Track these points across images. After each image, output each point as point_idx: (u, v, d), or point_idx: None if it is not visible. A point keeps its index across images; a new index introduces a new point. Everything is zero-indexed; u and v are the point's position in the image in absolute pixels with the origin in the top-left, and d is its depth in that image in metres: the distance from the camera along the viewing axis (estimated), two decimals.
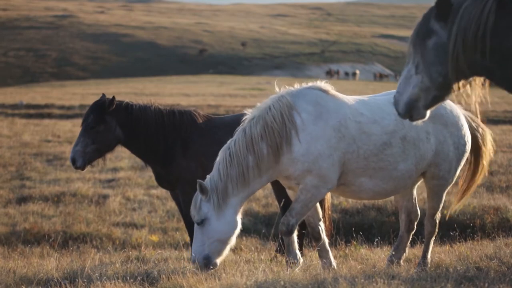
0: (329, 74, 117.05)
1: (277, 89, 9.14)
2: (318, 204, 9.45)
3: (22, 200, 18.01)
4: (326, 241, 9.52)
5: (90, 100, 11.62)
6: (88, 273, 8.61)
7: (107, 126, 10.74)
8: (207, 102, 50.20)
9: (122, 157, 24.08)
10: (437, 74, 6.44)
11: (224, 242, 8.87)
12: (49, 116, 43.29)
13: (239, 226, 9.03)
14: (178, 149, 10.88)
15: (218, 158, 8.97)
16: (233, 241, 9.00)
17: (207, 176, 8.98)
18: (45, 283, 8.43)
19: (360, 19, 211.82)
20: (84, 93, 64.02)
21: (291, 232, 9.04)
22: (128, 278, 8.44)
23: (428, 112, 6.66)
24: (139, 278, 8.41)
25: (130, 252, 12.19)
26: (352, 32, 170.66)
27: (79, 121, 11.09)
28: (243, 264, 9.36)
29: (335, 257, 10.07)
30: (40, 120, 39.74)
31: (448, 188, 9.47)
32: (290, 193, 9.55)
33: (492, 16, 6.17)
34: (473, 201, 15.08)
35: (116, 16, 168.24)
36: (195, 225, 8.96)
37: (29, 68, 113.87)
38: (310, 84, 9.19)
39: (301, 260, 9.22)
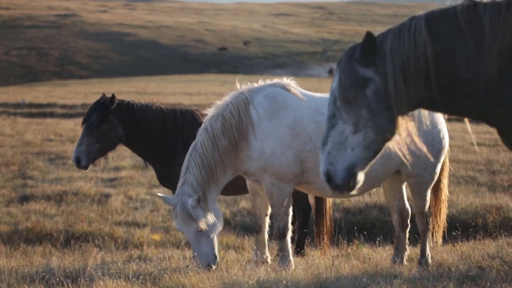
0: (331, 73, 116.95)
1: (238, 86, 9.31)
2: (268, 200, 9.56)
3: (24, 199, 18.02)
4: (266, 236, 9.70)
5: (93, 99, 11.67)
6: (90, 272, 8.61)
7: (110, 125, 10.74)
8: (209, 101, 50.06)
9: (124, 156, 24.08)
10: (386, 122, 5.95)
11: (218, 234, 9.25)
12: (51, 115, 43.27)
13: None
14: (179, 148, 10.87)
15: (187, 163, 9.12)
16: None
17: (182, 182, 9.16)
18: (47, 282, 8.43)
19: (363, 18, 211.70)
20: (87, 92, 64.00)
21: (285, 235, 9.28)
22: (130, 277, 8.44)
23: (363, 176, 6.09)
24: (141, 277, 8.42)
25: (132, 251, 12.20)
26: (354, 31, 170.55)
27: (81, 120, 11.09)
28: (245, 263, 9.38)
29: (337, 256, 10.07)
30: (42, 119, 39.74)
31: (431, 186, 9.46)
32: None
33: (429, 44, 5.89)
34: (475, 201, 15.06)
35: (119, 15, 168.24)
36: (192, 234, 9.07)
37: (32, 67, 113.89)
38: (274, 80, 9.36)
39: (292, 263, 9.31)
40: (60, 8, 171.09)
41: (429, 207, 9.66)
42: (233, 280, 7.84)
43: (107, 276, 8.43)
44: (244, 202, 16.77)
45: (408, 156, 6.31)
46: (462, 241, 11.23)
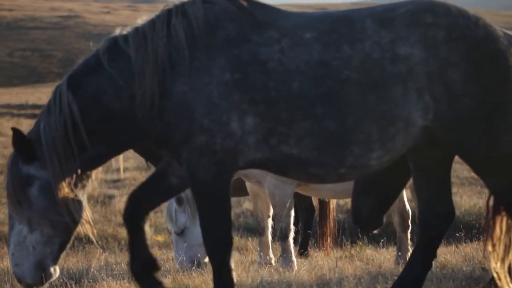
0: None
1: None
2: (269, 202, 9.56)
3: None
4: (269, 238, 9.70)
5: None
6: (93, 273, 8.61)
7: None
8: None
9: (127, 157, 24.09)
10: (58, 216, 5.91)
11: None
12: None
13: None
14: None
15: None
16: None
17: None
18: (50, 283, 8.42)
19: None
20: None
21: (287, 236, 9.31)
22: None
23: (57, 269, 6.11)
24: None
25: None
26: None
27: None
28: (248, 265, 9.38)
29: (340, 258, 10.07)
30: None
31: None
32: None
33: (73, 104, 5.82)
34: (479, 202, 15.05)
35: (122, 16, 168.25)
36: (174, 234, 9.20)
37: (35, 68, 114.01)
38: None
39: (295, 264, 9.34)
40: (63, 9, 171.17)
41: None
42: (237, 281, 7.82)
43: (110, 277, 8.43)
44: (247, 204, 16.76)
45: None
46: (465, 243, 11.21)
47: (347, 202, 15.73)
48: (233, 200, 18.31)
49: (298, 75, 5.82)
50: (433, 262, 9.17)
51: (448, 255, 9.65)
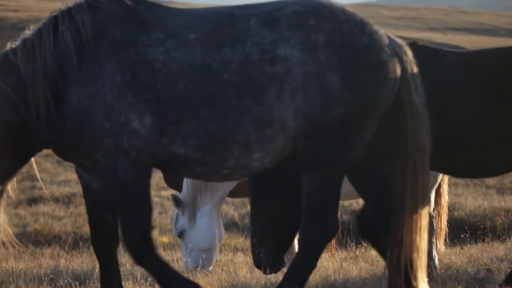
0: None
1: None
2: None
3: (33, 201, 18.07)
4: None
5: None
6: (98, 274, 8.61)
7: None
8: None
9: None
10: None
11: (208, 250, 9.20)
12: None
13: (222, 230, 9.34)
14: None
15: None
16: (217, 246, 9.30)
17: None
18: (55, 284, 8.43)
19: (371, 20, 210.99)
20: None
21: None
22: (138, 279, 8.44)
23: None
24: (149, 279, 8.41)
25: None
26: None
27: None
28: (253, 266, 9.37)
29: (345, 259, 10.07)
30: None
31: (435, 187, 9.43)
32: None
33: None
34: (483, 203, 15.03)
35: None
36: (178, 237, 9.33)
37: None
38: None
39: None
40: None
41: (433, 209, 9.62)
42: (242, 282, 7.84)
43: None
44: None
45: None
46: (470, 244, 11.20)
47: (352, 203, 15.74)
48: (238, 201, 18.49)
49: (182, 76, 5.95)
50: (437, 263, 9.22)
51: (452, 256, 9.65)
